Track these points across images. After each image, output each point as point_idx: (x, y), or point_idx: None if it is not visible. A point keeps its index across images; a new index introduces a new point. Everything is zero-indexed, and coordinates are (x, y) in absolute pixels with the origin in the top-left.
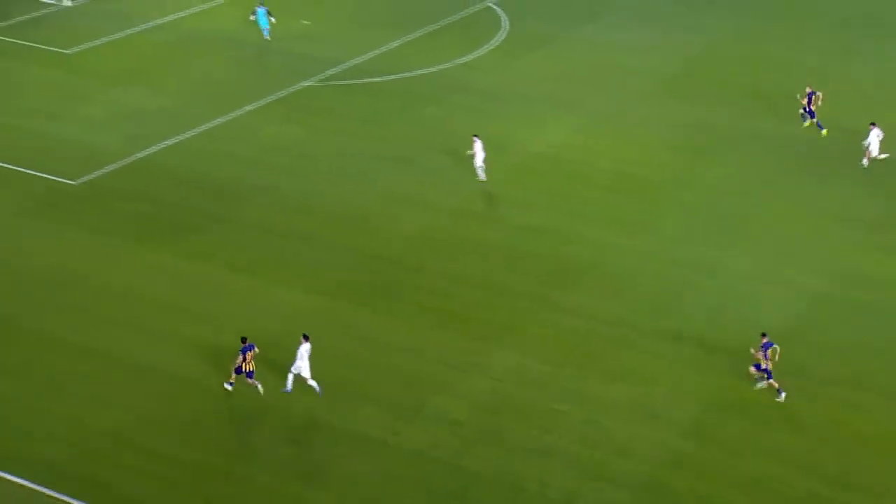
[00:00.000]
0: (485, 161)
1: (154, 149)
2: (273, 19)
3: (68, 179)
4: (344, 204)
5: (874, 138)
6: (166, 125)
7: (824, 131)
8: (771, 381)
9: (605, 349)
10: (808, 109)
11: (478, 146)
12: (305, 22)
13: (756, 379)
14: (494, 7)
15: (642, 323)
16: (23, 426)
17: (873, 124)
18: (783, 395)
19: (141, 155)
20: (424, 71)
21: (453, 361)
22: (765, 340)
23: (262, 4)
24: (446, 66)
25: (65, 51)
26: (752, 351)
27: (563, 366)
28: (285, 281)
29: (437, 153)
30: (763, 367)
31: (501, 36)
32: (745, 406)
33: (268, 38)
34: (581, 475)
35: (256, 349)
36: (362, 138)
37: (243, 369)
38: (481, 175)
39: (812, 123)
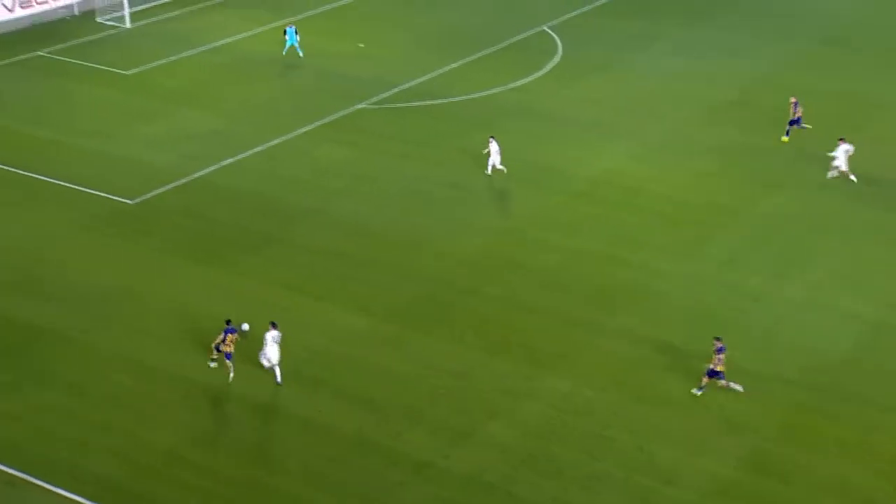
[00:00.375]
0: (501, 163)
1: (210, 169)
2: (298, 37)
3: (126, 198)
4: (397, 226)
5: (842, 153)
6: (222, 145)
7: (785, 138)
8: (721, 380)
9: (654, 375)
10: (793, 120)
11: (493, 147)
12: (360, 45)
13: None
14: (549, 31)
15: (692, 349)
16: (79, 440)
17: (842, 139)
18: (740, 386)
19: (197, 175)
20: (478, 94)
21: (504, 386)
22: (718, 345)
23: (291, 24)
24: (500, 89)
25: (124, 72)
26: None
27: (613, 391)
28: (339, 302)
29: (491, 176)
30: (716, 369)
31: (556, 60)
32: (797, 435)
33: (301, 55)
34: (629, 502)
35: (237, 335)
36: (415, 161)
37: (222, 349)
38: (497, 167)
39: (794, 129)
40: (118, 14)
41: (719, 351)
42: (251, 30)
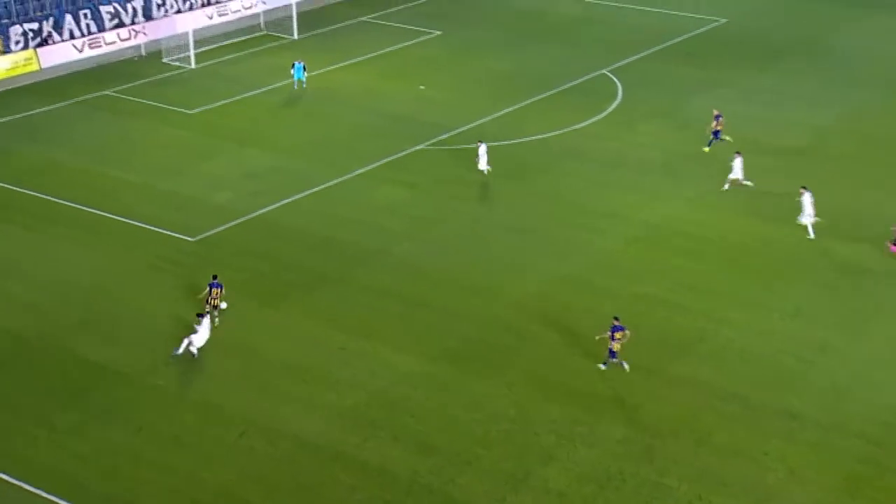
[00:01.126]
0: (488, 164)
1: (269, 207)
2: (305, 74)
3: (188, 236)
4: (455, 269)
5: (737, 166)
6: (281, 184)
7: (707, 149)
8: (613, 359)
9: (716, 424)
10: (715, 132)
11: (482, 150)
12: (421, 87)
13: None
14: (610, 74)
15: (756, 399)
16: (142, 479)
17: (738, 153)
18: (626, 365)
19: (257, 213)
20: (537, 137)
21: (560, 431)
22: (615, 324)
23: (300, 60)
24: (559, 132)
25: (188, 111)
26: (601, 336)
27: (672, 438)
28: (396, 344)
29: (549, 219)
30: (612, 349)
31: (615, 104)
32: (862, 489)
33: (295, 87)
34: None
35: (223, 290)
36: (473, 203)
37: (209, 302)
38: (483, 167)
39: (715, 142)
40: (183, 55)
41: (614, 330)
42: (312, 71)
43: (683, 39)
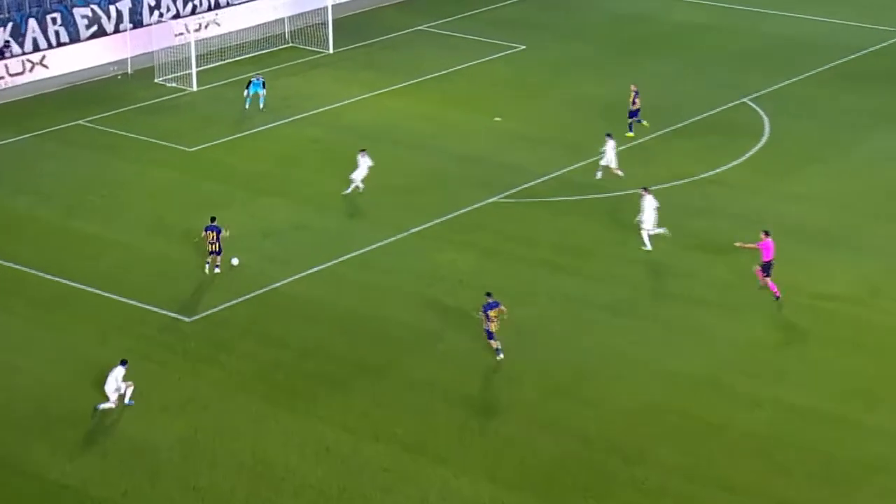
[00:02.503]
0: (363, 180)
1: (291, 277)
2: (264, 91)
3: (182, 315)
4: (538, 361)
5: (610, 150)
6: (308, 246)
7: (630, 133)
8: (492, 341)
9: None
10: (632, 112)
11: (363, 162)
12: (497, 119)
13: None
14: (751, 104)
15: None
16: None
17: (609, 135)
18: (501, 355)
19: (274, 285)
20: (655, 187)
21: None
22: (488, 301)
23: (259, 75)
24: (685, 181)
25: (187, 148)
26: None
27: None
28: (459, 464)
29: (668, 298)
30: (489, 329)
31: (761, 143)
32: None
33: (262, 108)
34: None
35: (225, 231)
36: (566, 275)
37: (212, 249)
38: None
39: (635, 123)
40: (182, 73)
41: (487, 308)
42: (352, 96)
43: (853, 58)
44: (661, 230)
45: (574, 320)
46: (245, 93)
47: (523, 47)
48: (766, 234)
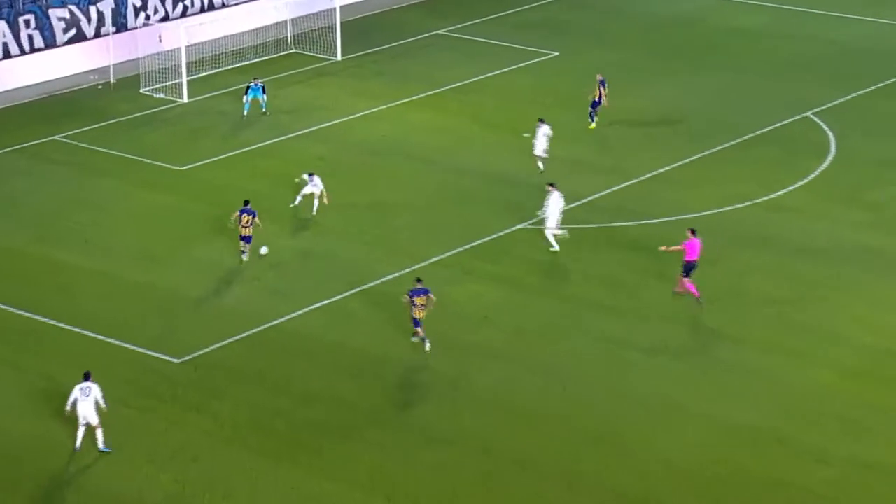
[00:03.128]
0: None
1: (295, 313)
2: (264, 96)
3: (170, 355)
4: (574, 410)
5: (542, 136)
6: (313, 277)
7: (592, 125)
8: (418, 329)
9: None
10: (595, 101)
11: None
12: (525, 135)
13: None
14: (815, 118)
15: None
16: None
17: (541, 120)
18: (428, 345)
19: (276, 321)
20: (704, 213)
21: None
22: (417, 286)
23: (256, 79)
24: (738, 205)
25: (177, 167)
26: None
27: None
28: None
29: (719, 337)
30: (415, 317)
31: (826, 163)
32: None
33: (265, 111)
34: None
35: (256, 219)
36: (603, 312)
37: (243, 234)
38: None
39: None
40: (171, 83)
41: (414, 294)
42: (362, 108)
43: None
44: (562, 231)
45: (611, 362)
46: (244, 98)
47: (556, 54)
48: (693, 232)
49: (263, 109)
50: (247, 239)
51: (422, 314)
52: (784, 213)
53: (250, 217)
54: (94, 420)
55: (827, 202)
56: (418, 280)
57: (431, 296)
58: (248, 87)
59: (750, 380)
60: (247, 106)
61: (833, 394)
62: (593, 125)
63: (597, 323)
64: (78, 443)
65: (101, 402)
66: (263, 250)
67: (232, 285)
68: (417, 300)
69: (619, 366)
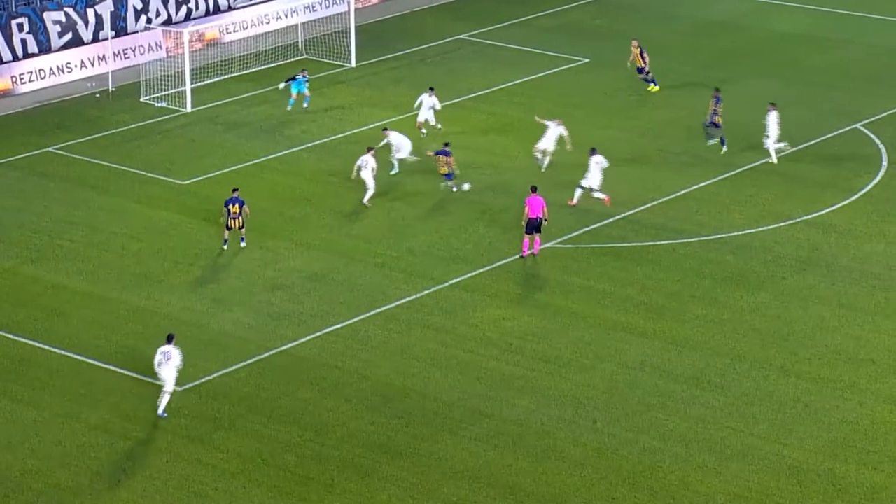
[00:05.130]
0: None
1: (305, 338)
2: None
3: None
4: (608, 446)
5: (426, 105)
6: (325, 301)
7: (655, 87)
8: (448, 181)
9: None
10: (642, 69)
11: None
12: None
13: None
14: (865, 131)
15: None
16: None
17: (431, 88)
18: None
19: (285, 347)
20: (745, 232)
21: None
22: (444, 148)
23: (304, 71)
24: (783, 224)
25: (179, 181)
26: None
27: None
28: None
29: (763, 367)
30: (441, 172)
31: (878, 177)
32: None
33: (305, 107)
34: None
35: (247, 209)
36: (637, 337)
37: (231, 226)
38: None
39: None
40: (174, 91)
41: (439, 154)
42: (378, 119)
43: None
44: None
45: (648, 393)
46: (287, 86)
47: (586, 60)
48: (533, 189)
49: (305, 105)
50: (239, 224)
51: (446, 169)
52: (832, 232)
53: (240, 207)
54: (169, 386)
55: (879, 221)
56: (446, 144)
57: (452, 158)
58: (293, 79)
59: (798, 414)
60: (291, 101)
61: (889, 430)
62: (656, 88)
63: (631, 350)
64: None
65: (179, 366)
66: (242, 243)
67: (237, 308)
68: (441, 159)
69: (655, 397)
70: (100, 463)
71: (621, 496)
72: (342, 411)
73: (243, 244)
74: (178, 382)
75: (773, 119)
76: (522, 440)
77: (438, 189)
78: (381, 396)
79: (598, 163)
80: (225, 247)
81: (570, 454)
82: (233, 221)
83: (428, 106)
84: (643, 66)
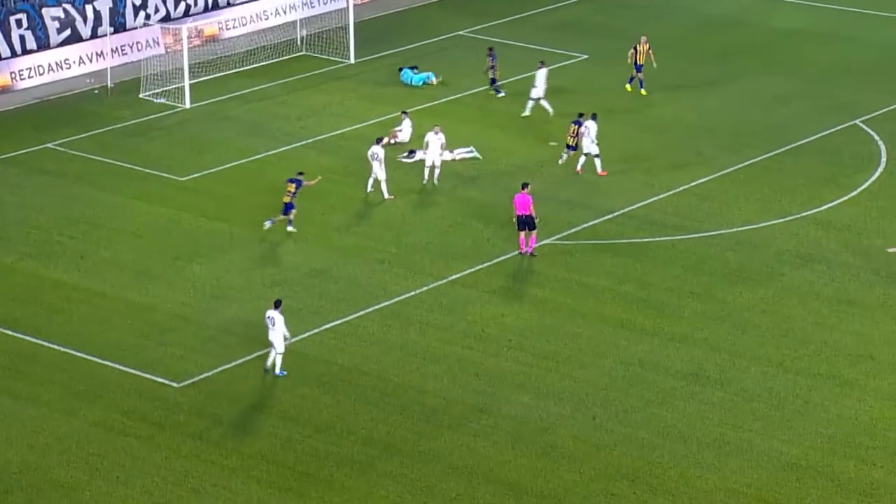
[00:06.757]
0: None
1: (305, 334)
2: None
3: (170, 379)
4: (605, 442)
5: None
6: (325, 297)
7: (640, 90)
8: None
9: None
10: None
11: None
12: (552, 143)
13: None
14: (864, 127)
15: None
16: None
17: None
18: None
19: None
20: (745, 228)
21: None
22: (578, 119)
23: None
24: (782, 220)
25: (178, 177)
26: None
27: None
28: None
29: (762, 363)
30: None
31: (877, 173)
32: None
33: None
34: None
35: (300, 188)
36: (636, 334)
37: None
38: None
39: (636, 80)
40: (173, 87)
41: (574, 123)
42: (376, 115)
43: None
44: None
45: (647, 390)
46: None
47: (585, 56)
48: (523, 186)
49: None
50: (288, 207)
51: (573, 141)
52: (831, 228)
53: (295, 186)
54: (278, 348)
55: (877, 217)
56: (581, 114)
57: (579, 128)
58: (402, 69)
59: (797, 410)
60: (419, 78)
61: (888, 427)
62: (643, 91)
63: (630, 346)
64: (267, 363)
65: (284, 331)
66: (290, 227)
67: (236, 304)
68: (572, 129)
69: (654, 393)
70: (99, 459)
71: (620, 492)
72: (341, 408)
73: (290, 228)
74: (178, 378)
75: (541, 75)
76: (521, 436)
77: (435, 187)
78: (380, 393)
79: (588, 128)
80: (267, 224)
81: (568, 450)
82: (287, 197)
83: (436, 144)
84: (642, 63)
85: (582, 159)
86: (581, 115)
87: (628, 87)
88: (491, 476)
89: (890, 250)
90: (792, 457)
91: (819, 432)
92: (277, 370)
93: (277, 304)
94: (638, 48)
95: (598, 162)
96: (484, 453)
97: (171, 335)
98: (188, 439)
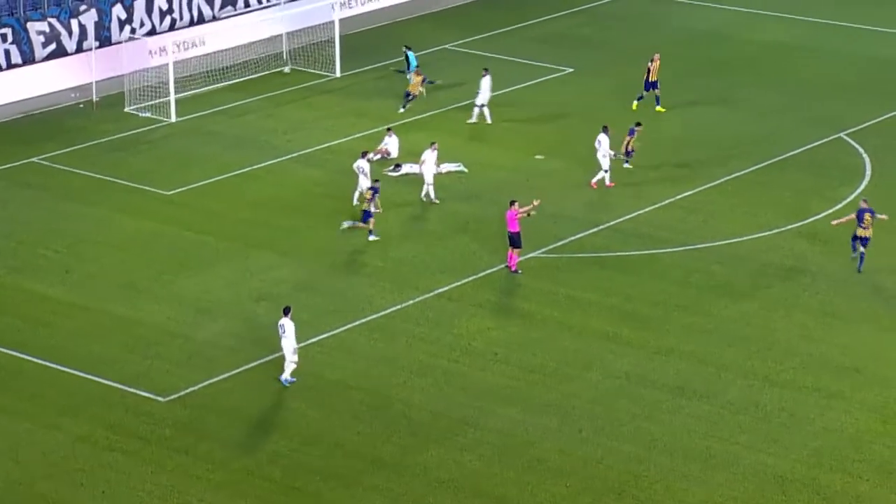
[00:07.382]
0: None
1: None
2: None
3: (155, 393)
4: (593, 457)
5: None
6: (311, 311)
7: (657, 107)
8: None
9: None
10: (648, 81)
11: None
12: (538, 157)
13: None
14: (849, 140)
15: None
16: None
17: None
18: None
19: (270, 357)
20: (730, 241)
21: None
22: (632, 128)
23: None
24: (767, 234)
25: (163, 191)
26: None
27: None
28: None
29: (749, 376)
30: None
31: (861, 187)
32: None
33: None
34: None
35: (377, 197)
36: (624, 348)
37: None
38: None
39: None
40: (158, 101)
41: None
42: (363, 129)
43: None
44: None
45: (633, 403)
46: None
47: (571, 70)
48: (511, 204)
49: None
50: (365, 214)
51: (633, 146)
52: (817, 241)
53: (372, 193)
54: (289, 356)
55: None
56: (638, 124)
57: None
58: (406, 52)
59: (783, 423)
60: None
61: (873, 439)
62: (660, 108)
63: (616, 359)
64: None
65: (292, 338)
66: (371, 237)
67: (222, 318)
68: (632, 139)
69: (640, 407)
70: (84, 474)
71: None
72: (328, 421)
73: (371, 237)
74: (164, 392)
75: (485, 83)
76: (508, 450)
77: (420, 201)
78: (367, 406)
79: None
80: (345, 225)
81: (555, 464)
82: (365, 204)
83: (431, 162)
84: (655, 80)
85: (599, 174)
86: (638, 123)
87: (635, 105)
88: (478, 490)
89: (834, 223)
90: (778, 469)
91: (805, 445)
92: (283, 377)
93: (287, 311)
94: (651, 66)
95: (606, 176)
96: (470, 467)
97: (157, 349)
98: (174, 454)
